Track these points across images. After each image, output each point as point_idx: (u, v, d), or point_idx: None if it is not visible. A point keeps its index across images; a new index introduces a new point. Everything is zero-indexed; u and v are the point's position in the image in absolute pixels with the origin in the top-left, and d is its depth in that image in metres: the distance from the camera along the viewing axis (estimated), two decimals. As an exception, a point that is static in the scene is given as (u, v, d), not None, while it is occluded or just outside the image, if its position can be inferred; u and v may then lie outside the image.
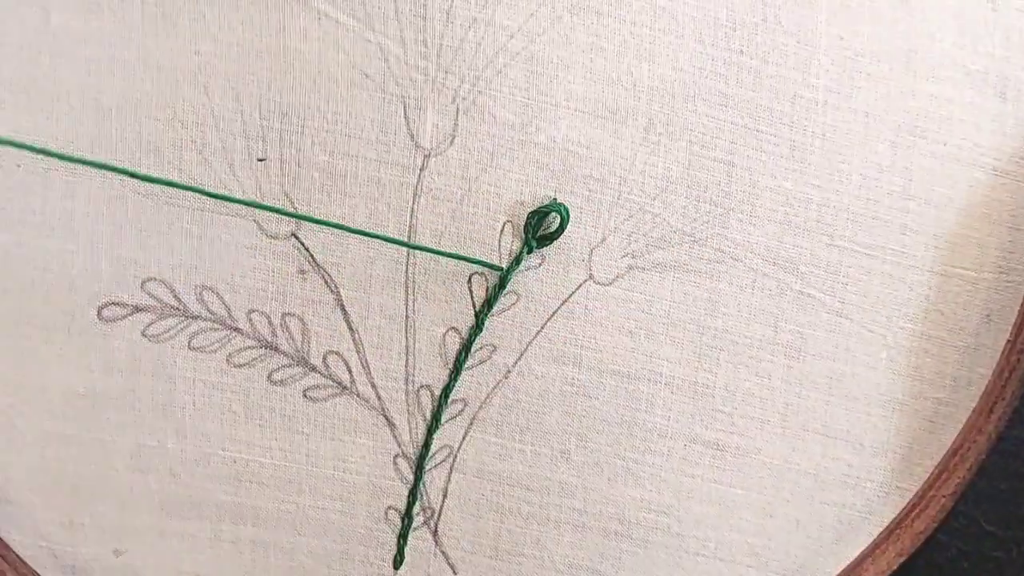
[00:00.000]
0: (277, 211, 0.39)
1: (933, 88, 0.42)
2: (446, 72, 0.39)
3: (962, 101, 0.42)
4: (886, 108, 0.41)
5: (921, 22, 0.41)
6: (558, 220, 0.40)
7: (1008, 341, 0.43)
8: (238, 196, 0.40)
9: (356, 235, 0.40)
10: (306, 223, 0.40)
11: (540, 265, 0.41)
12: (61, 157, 0.37)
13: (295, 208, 0.40)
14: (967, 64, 0.42)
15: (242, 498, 0.41)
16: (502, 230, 0.40)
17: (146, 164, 0.39)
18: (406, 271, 0.40)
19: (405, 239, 0.40)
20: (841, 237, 0.42)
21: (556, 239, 0.40)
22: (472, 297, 0.41)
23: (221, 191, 0.40)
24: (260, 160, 0.39)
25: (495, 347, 0.41)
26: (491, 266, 0.40)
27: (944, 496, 0.42)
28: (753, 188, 0.41)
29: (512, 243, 0.40)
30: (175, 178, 0.39)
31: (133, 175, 0.38)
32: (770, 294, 0.42)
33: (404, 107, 0.39)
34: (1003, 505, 0.48)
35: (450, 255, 0.40)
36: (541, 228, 0.40)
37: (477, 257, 0.40)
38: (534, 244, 0.40)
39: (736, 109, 0.41)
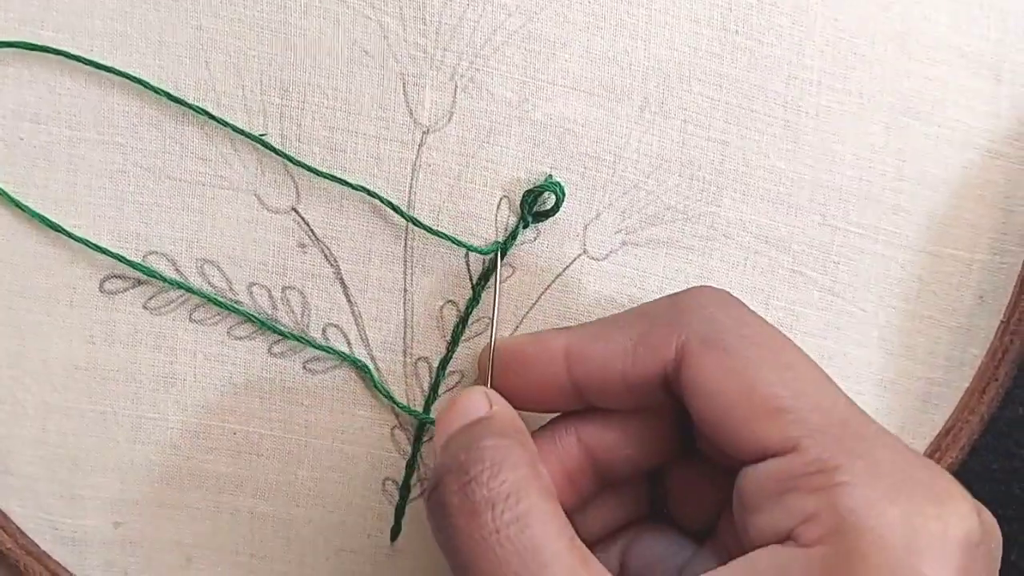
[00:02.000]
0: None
1: (927, 69, 0.42)
2: (445, 50, 0.40)
3: (956, 82, 0.42)
4: (880, 89, 0.41)
5: (916, 3, 0.41)
6: (553, 198, 0.40)
7: (1001, 322, 0.43)
8: (239, 171, 0.40)
9: (355, 209, 0.40)
10: (305, 199, 0.40)
11: (535, 239, 0.41)
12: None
13: (296, 183, 0.40)
14: (962, 46, 0.42)
15: (241, 470, 0.42)
16: (499, 205, 0.41)
17: (148, 138, 0.39)
18: (405, 245, 0.41)
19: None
20: (834, 216, 0.42)
21: (552, 216, 0.40)
22: (469, 270, 0.41)
23: (223, 166, 0.40)
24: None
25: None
26: (480, 251, 0.40)
27: (935, 475, 0.42)
28: (746, 167, 0.41)
29: (508, 218, 0.41)
30: (176, 151, 0.40)
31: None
32: (762, 272, 0.42)
33: (403, 84, 0.40)
34: (996, 485, 0.49)
35: (443, 236, 0.40)
36: (537, 205, 0.40)
37: (473, 236, 0.41)
38: (530, 220, 0.40)
39: (730, 89, 0.41)
